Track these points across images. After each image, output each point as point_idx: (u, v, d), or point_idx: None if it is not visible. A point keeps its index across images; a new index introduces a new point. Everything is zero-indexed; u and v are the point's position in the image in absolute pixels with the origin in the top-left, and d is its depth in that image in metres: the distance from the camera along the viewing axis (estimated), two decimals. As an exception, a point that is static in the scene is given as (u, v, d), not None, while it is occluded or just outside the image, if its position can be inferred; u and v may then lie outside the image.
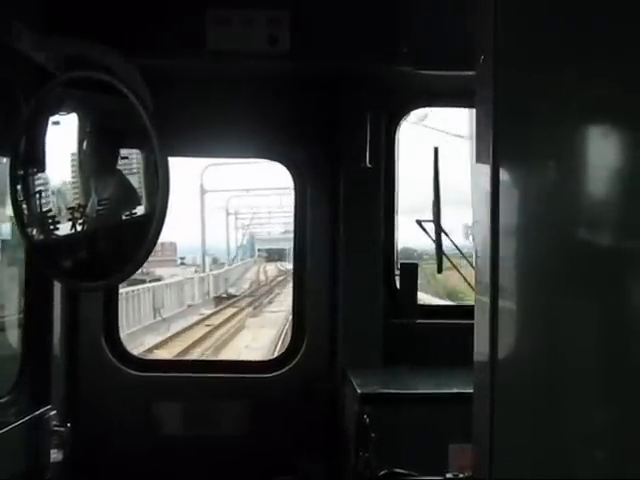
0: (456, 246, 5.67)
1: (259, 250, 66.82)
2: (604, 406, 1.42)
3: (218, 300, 38.96)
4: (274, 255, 65.54)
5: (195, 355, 22.10)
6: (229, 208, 51.64)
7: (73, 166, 4.08)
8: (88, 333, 5.48)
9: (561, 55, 1.64)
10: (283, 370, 5.59)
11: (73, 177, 4.07)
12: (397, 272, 5.68)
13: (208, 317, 32.09)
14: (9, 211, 4.20)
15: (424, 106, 5.88)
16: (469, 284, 5.55)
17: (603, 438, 1.42)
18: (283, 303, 35.73)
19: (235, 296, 41.02)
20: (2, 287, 5.43)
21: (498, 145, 1.98)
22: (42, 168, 4.02)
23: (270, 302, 39.46)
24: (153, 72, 3.97)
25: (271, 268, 59.60)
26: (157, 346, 23.11)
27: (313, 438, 5.43)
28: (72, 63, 4.23)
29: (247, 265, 60.74)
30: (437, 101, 5.79)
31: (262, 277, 54.28)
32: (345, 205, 5.48)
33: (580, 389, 1.51)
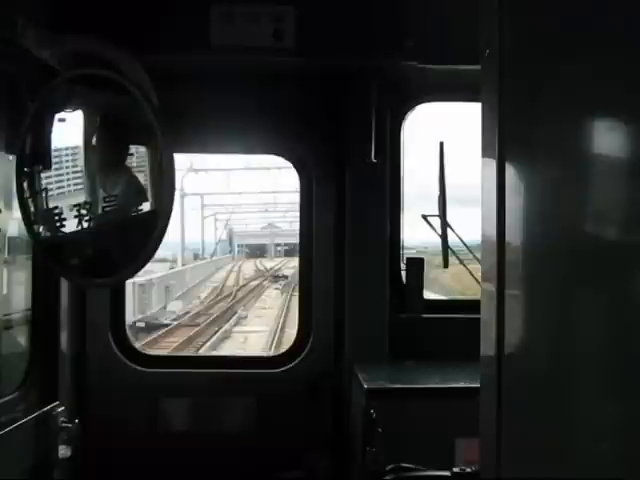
0: (462, 241, 5.66)
1: (239, 246, 62.46)
2: (613, 399, 1.42)
3: (132, 332, 18.64)
4: (255, 251, 61.20)
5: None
6: (185, 188, 42.29)
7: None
8: (95, 330, 5.49)
9: (567, 48, 1.64)
10: (290, 365, 5.59)
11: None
12: (403, 267, 5.68)
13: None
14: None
15: (430, 101, 5.86)
16: (475, 279, 5.54)
17: (611, 432, 1.42)
18: (247, 343, 22.19)
19: (164, 325, 24.25)
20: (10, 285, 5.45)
21: (504, 139, 1.98)
22: (48, 165, 4.02)
23: (224, 338, 23.14)
24: (158, 68, 3.97)
25: (248, 267, 50.81)
26: None
27: (320, 433, 5.43)
28: (78, 60, 4.23)
29: (219, 263, 52.04)
30: (443, 96, 5.78)
31: (231, 281, 41.92)
32: (351, 200, 5.48)
33: (588, 382, 1.51)
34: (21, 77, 4.40)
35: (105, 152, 4.05)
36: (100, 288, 5.28)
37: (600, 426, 1.45)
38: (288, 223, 53.59)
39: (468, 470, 2.99)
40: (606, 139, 1.49)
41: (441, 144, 5.53)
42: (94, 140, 4.02)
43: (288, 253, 57.13)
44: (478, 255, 2.41)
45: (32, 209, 4.01)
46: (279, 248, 61.27)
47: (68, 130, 4.05)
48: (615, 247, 1.42)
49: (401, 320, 5.47)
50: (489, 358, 2.06)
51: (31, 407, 4.50)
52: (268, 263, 52.72)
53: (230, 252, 60.20)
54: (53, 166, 4.00)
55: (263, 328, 25.15)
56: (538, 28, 1.79)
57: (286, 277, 43.26)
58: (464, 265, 5.81)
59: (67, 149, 4.05)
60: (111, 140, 4.02)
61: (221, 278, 43.67)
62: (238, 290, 36.19)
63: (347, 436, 5.16)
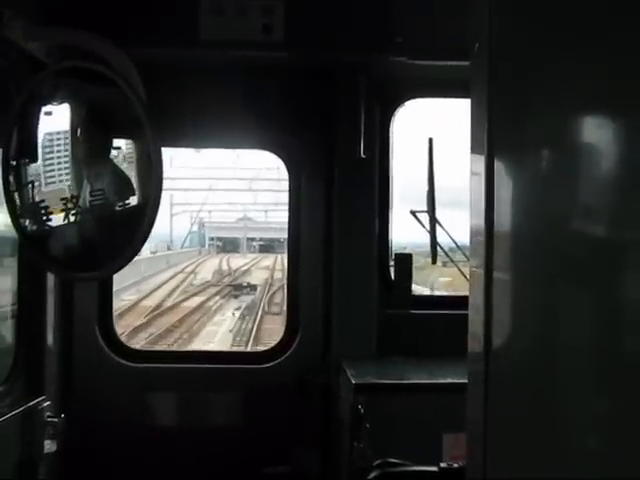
0: (452, 238, 5.67)
1: (211, 239, 55.89)
2: (600, 395, 1.42)
3: None
4: (228, 245, 54.45)
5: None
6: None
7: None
8: (82, 324, 5.47)
9: (557, 42, 1.63)
10: (278, 361, 5.59)
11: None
12: (392, 263, 5.69)
13: None
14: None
15: (419, 97, 5.86)
16: (464, 276, 5.55)
17: (598, 427, 1.42)
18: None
19: None
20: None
21: (493, 133, 1.98)
22: (34, 158, 4.00)
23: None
24: (146, 62, 3.94)
25: (209, 266, 38.64)
26: None
27: (307, 429, 5.43)
28: (66, 53, 4.20)
29: (175, 259, 41.56)
30: (432, 92, 5.77)
31: (161, 294, 27.72)
32: (339, 196, 5.48)
33: (575, 378, 1.51)
34: (8, 69, 4.37)
35: (90, 144, 4.02)
36: (87, 282, 5.25)
37: (588, 421, 1.45)
38: (263, 212, 47.98)
39: (455, 465, 2.99)
40: (595, 134, 1.49)
41: (430, 140, 5.53)
42: (79, 132, 4.00)
43: (263, 249, 52.16)
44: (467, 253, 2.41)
45: (18, 203, 3.98)
46: (254, 243, 55.46)
47: (55, 119, 4.03)
48: (603, 241, 1.42)
49: (389, 316, 5.47)
50: (476, 354, 2.06)
51: (17, 401, 4.47)
52: (237, 260, 42.87)
53: (201, 245, 55.08)
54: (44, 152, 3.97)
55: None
56: (527, 22, 1.79)
57: (253, 288, 30.12)
58: (454, 262, 5.82)
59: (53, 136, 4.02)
60: (97, 132, 3.99)
61: (154, 285, 30.22)
62: (145, 323, 19.59)
63: (335, 431, 5.16)
